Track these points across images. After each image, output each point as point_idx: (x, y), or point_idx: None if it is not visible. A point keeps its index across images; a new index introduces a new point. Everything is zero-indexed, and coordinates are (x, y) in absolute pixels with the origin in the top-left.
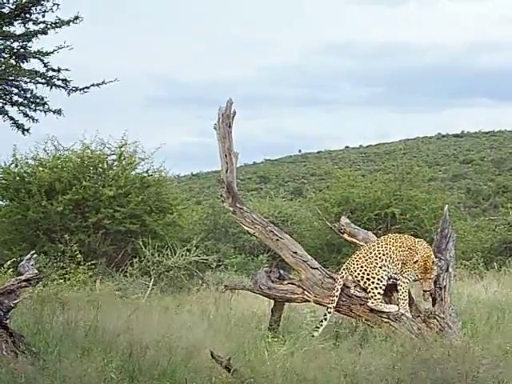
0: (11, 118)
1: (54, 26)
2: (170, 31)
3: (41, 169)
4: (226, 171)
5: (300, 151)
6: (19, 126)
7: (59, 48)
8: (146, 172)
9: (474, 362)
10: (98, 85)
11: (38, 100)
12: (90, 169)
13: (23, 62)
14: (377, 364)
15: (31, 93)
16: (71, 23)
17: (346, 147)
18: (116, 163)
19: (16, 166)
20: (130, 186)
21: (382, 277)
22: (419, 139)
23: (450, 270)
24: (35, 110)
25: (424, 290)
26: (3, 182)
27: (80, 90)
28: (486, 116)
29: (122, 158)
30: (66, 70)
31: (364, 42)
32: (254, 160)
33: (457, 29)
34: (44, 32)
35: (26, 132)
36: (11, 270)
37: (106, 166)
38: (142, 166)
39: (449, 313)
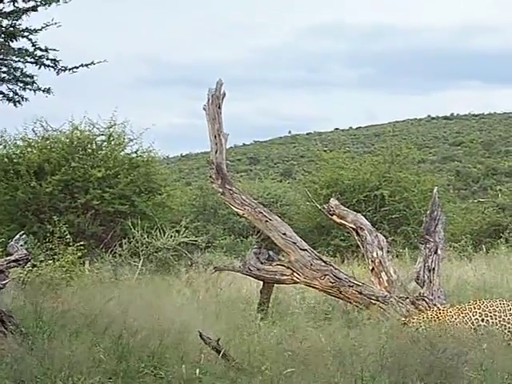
0: (1, 93)
1: (43, 2)
2: (160, 12)
3: (29, 149)
4: (216, 152)
5: (290, 133)
6: (10, 99)
7: (47, 25)
8: (135, 153)
9: (463, 344)
10: (87, 65)
11: (27, 79)
12: (79, 149)
13: (12, 41)
14: (365, 344)
15: (21, 71)
16: (61, 0)
17: (336, 129)
18: (105, 144)
19: (4, 146)
20: (119, 166)
21: None
22: (409, 121)
23: (439, 252)
24: (24, 89)
25: None
26: None
27: (69, 69)
28: (476, 98)
29: (111, 138)
30: (54, 50)
31: (354, 23)
32: (244, 141)
33: (448, 11)
34: (34, 9)
35: (17, 104)
36: (0, 250)
37: (94, 147)
38: (130, 146)
39: (437, 294)
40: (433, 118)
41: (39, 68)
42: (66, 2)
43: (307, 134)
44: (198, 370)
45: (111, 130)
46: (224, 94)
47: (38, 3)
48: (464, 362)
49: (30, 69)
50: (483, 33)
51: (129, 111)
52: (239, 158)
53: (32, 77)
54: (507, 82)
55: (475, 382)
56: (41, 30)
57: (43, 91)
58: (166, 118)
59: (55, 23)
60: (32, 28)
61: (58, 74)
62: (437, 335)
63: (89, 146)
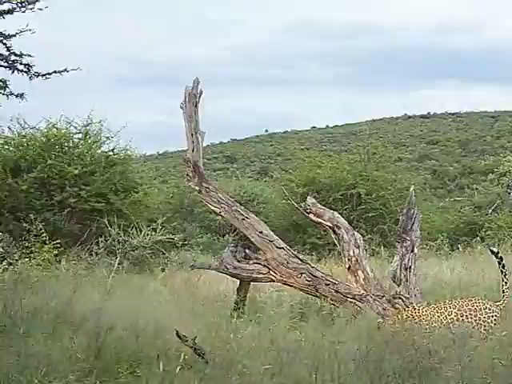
0: None
1: (19, 5)
2: (138, 11)
3: (6, 147)
4: (193, 150)
5: (266, 131)
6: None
7: (22, 31)
8: (112, 151)
9: (439, 342)
10: (60, 72)
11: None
12: (56, 147)
13: None
14: (342, 342)
15: None
16: (37, 3)
17: (313, 127)
18: (81, 142)
19: None
20: (96, 164)
21: None
22: (385, 120)
23: (415, 250)
24: None
25: None
26: None
27: (42, 75)
28: (453, 97)
29: (88, 136)
30: (29, 55)
31: (331, 21)
32: (221, 140)
33: (425, 10)
34: (10, 11)
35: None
36: None
37: (71, 145)
38: (107, 144)
39: (414, 293)
40: (409, 117)
41: (12, 73)
42: (40, 10)
43: (284, 132)
44: (178, 368)
45: (88, 128)
46: (201, 93)
47: (15, 5)
48: (441, 360)
49: (3, 73)
50: (460, 31)
51: (106, 109)
52: (216, 157)
53: (5, 82)
54: (484, 80)
55: (453, 380)
56: (15, 35)
57: (16, 96)
58: (142, 116)
59: (30, 30)
60: (7, 33)
61: (30, 79)
62: (414, 334)
63: (65, 143)
